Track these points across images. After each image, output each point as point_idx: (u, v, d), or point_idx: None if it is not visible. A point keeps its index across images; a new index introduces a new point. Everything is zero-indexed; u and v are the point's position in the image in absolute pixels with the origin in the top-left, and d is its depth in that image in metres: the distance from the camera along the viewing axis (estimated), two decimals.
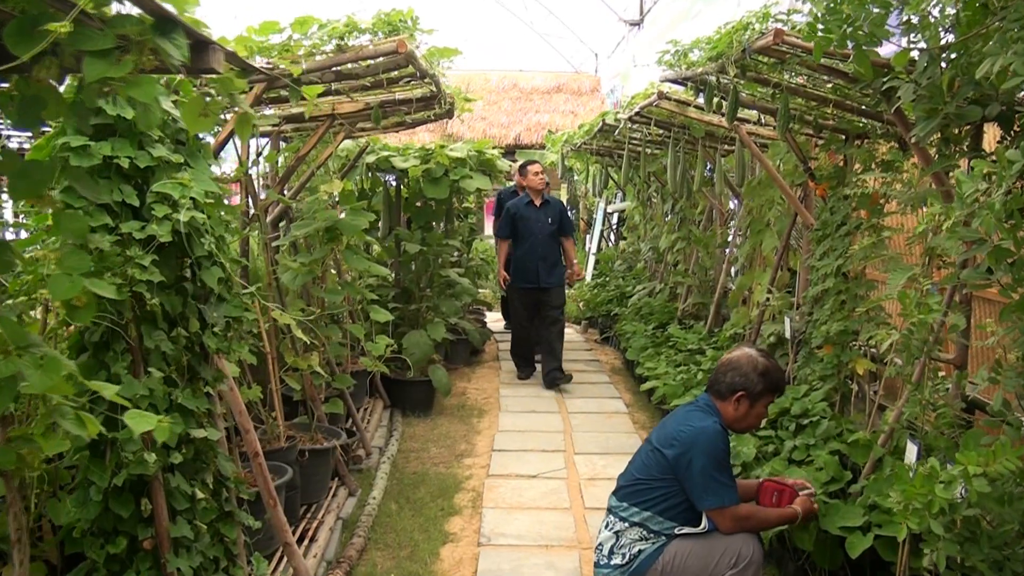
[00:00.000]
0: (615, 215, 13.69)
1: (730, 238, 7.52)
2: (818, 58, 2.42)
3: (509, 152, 17.10)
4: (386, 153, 7.02)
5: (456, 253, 8.71)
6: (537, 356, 8.38)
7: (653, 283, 9.47)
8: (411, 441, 6.42)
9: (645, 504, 3.38)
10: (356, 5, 3.78)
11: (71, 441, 2.60)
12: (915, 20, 2.79)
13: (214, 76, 1.91)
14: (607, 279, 11.39)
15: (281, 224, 5.60)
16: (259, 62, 3.51)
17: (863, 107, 4.21)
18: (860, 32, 2.22)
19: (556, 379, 7.82)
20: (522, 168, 8.26)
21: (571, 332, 10.66)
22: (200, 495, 3.00)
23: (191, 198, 2.74)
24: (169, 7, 1.58)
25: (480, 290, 9.56)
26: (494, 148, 8.08)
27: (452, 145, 7.32)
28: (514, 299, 8.26)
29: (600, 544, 3.47)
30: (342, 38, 3.44)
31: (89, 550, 2.75)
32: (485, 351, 9.52)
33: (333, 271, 5.65)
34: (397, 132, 6.82)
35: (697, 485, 3.26)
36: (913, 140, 3.26)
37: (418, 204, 7.50)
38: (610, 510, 3.51)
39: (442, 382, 6.92)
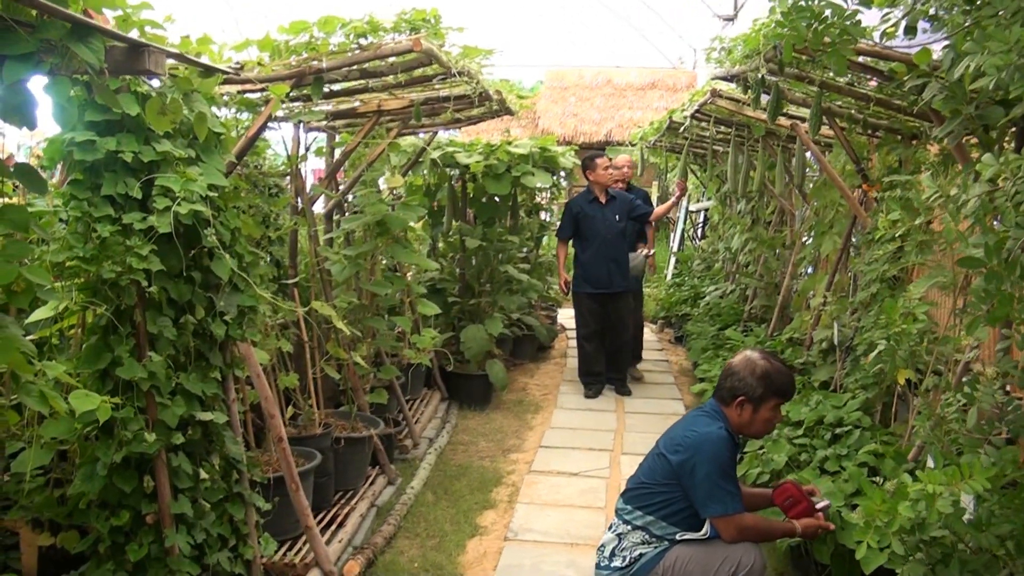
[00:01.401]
0: (701, 213, 13.49)
1: (800, 240, 7.32)
2: (788, 56, 2.36)
3: (600, 149, 17.03)
4: (451, 149, 7.11)
5: (524, 250, 8.74)
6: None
7: (726, 284, 9.30)
8: (463, 434, 6.50)
9: (649, 508, 3.36)
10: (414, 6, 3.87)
11: (78, 421, 2.78)
12: (942, 15, 2.70)
13: (174, 76, 2.00)
14: (684, 279, 11.23)
15: (336, 217, 5.76)
16: (289, 60, 3.65)
17: (907, 106, 4.05)
18: (832, 30, 2.15)
19: (614, 380, 7.58)
20: (588, 162, 7.35)
21: (646, 331, 10.56)
22: (204, 475, 3.14)
23: (201, 191, 2.87)
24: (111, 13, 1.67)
25: (553, 287, 9.53)
26: (583, 145, 8.11)
27: (517, 141, 7.36)
28: (581, 307, 7.49)
29: (602, 545, 3.47)
30: (364, 36, 3.53)
31: (95, 521, 2.92)
32: (553, 347, 9.53)
33: (383, 263, 5.76)
34: (457, 128, 6.90)
35: (700, 492, 3.22)
36: (942, 140, 3.14)
37: (483, 200, 7.57)
38: (616, 512, 3.50)
39: (499, 376, 6.98)
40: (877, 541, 2.10)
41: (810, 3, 2.09)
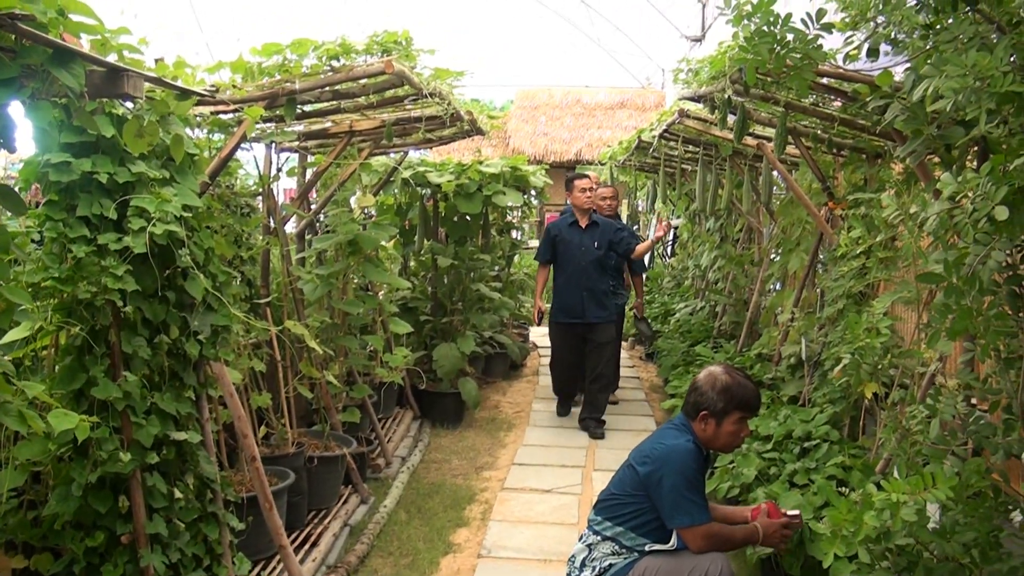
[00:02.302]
0: (671, 231, 13.60)
1: (767, 257, 7.43)
2: (751, 80, 2.42)
3: (570, 168, 17.16)
4: (423, 168, 7.15)
5: (496, 268, 8.79)
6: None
7: (696, 301, 9.40)
8: (435, 452, 6.51)
9: (618, 519, 3.40)
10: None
11: (53, 441, 2.78)
12: (903, 39, 2.79)
13: (151, 99, 2.03)
14: (654, 296, 11.33)
15: (308, 237, 5.77)
16: (262, 82, 3.68)
17: (871, 126, 4.15)
18: (794, 54, 2.23)
19: (588, 426, 6.98)
20: (568, 183, 7.09)
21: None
22: (179, 495, 3.14)
23: (175, 212, 2.88)
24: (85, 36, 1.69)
25: (525, 304, 9.57)
26: (554, 164, 8.15)
27: (488, 161, 7.42)
28: (554, 336, 7.19)
29: (573, 556, 3.50)
30: (336, 58, 3.57)
31: (70, 542, 2.91)
32: (526, 365, 9.57)
33: (356, 282, 5.77)
34: (429, 148, 6.95)
35: (667, 503, 3.27)
36: (904, 159, 3.22)
37: (454, 219, 7.61)
38: (588, 523, 3.54)
39: (471, 395, 7.00)
40: (844, 550, 2.15)
41: (772, 29, 2.16)
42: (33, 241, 3.02)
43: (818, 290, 5.67)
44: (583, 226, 6.92)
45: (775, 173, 6.21)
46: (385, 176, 6.74)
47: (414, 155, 7.42)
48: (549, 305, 7.25)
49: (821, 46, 2.29)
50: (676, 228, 12.59)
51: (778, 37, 2.18)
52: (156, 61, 2.40)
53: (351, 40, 3.58)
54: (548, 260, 7.10)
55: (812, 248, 5.60)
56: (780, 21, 2.18)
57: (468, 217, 7.61)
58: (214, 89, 2.82)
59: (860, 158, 4.93)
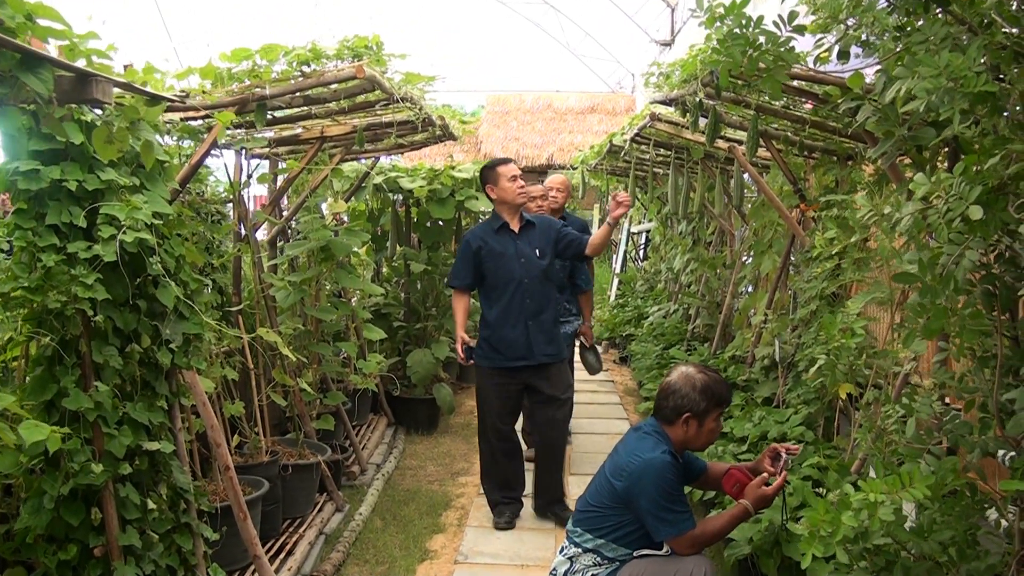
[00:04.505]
0: (643, 235, 13.68)
1: (740, 259, 7.49)
2: (724, 82, 2.43)
3: (542, 172, 17.19)
4: (394, 174, 7.13)
5: None
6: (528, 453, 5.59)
7: (669, 304, 9.45)
8: (411, 458, 6.48)
9: (598, 532, 3.38)
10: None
11: (24, 454, 2.73)
12: (874, 40, 2.82)
13: (121, 105, 2.00)
14: (627, 299, 11.37)
15: (280, 244, 5.72)
16: (231, 88, 3.64)
17: (842, 128, 4.19)
18: (767, 56, 2.24)
19: (555, 513, 5.12)
20: (487, 172, 5.02)
21: None
22: (152, 505, 3.09)
23: (146, 219, 2.84)
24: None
25: None
26: (526, 168, 8.06)
27: (461, 166, 7.41)
28: (486, 390, 5.07)
29: (554, 569, 3.48)
30: (307, 64, 3.54)
31: (42, 556, 2.85)
32: None
33: (328, 289, 5.73)
34: (400, 153, 6.93)
35: (650, 518, 3.25)
36: (876, 161, 3.25)
37: (427, 224, 7.59)
38: (567, 535, 3.52)
39: (446, 400, 6.98)
40: (822, 551, 2.16)
41: (745, 31, 2.17)
42: (1, 250, 2.97)
43: (791, 292, 5.72)
44: (515, 229, 4.98)
45: (746, 176, 6.26)
46: (357, 182, 6.71)
47: (385, 161, 7.39)
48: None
49: (794, 48, 2.30)
50: (649, 232, 12.66)
51: (751, 39, 2.19)
52: (125, 67, 2.36)
53: (322, 45, 3.56)
54: (468, 284, 5.06)
55: (784, 250, 5.64)
56: (753, 23, 2.19)
57: (441, 222, 7.59)
58: (184, 95, 2.79)
59: (831, 160, 4.97)
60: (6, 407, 2.14)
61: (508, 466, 5.15)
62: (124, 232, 2.70)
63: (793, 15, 2.28)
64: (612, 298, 12.52)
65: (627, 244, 13.81)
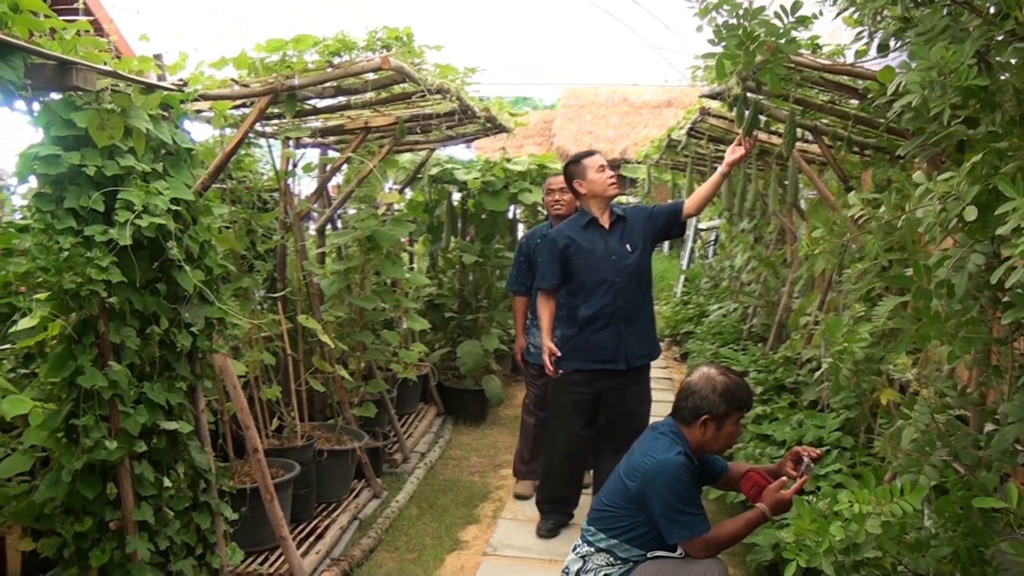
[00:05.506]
0: (712, 232, 13.45)
1: (798, 258, 7.29)
2: (720, 76, 2.36)
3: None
4: (450, 166, 7.17)
5: None
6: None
7: (730, 302, 9.27)
8: (456, 449, 6.52)
9: (612, 532, 3.34)
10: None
11: (45, 426, 2.85)
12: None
13: (115, 92, 2.06)
14: (691, 297, 11.21)
15: (328, 232, 5.82)
16: (267, 79, 3.71)
17: (883, 123, 4.04)
18: (764, 48, 2.16)
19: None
20: (572, 167, 4.70)
21: None
22: (168, 483, 3.18)
23: (164, 205, 2.92)
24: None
25: None
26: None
27: (516, 158, 7.40)
28: (560, 394, 4.72)
29: (567, 568, 3.46)
30: (338, 55, 3.58)
31: (60, 526, 2.97)
32: None
33: (378, 278, 5.79)
34: (454, 144, 6.94)
35: (663, 521, 3.20)
36: (910, 157, 3.14)
37: (481, 216, 7.61)
38: (581, 533, 3.49)
39: (494, 392, 6.99)
40: (807, 561, 2.09)
41: (742, 22, 2.10)
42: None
43: (844, 292, 5.54)
44: (605, 225, 4.63)
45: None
46: (413, 172, 6.77)
47: (442, 152, 7.42)
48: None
49: (795, 39, 2.22)
50: (718, 229, 12.44)
51: (748, 31, 2.12)
52: (122, 57, 2.43)
53: (352, 37, 3.59)
54: (557, 285, 4.66)
55: (839, 250, 5.46)
56: (749, 15, 2.12)
57: (495, 214, 7.60)
58: (182, 83, 2.84)
59: (883, 157, 4.80)
60: None
61: (572, 479, 4.88)
62: (139, 217, 2.79)
63: (797, 5, 2.20)
64: (677, 295, 12.36)
65: (695, 241, 13.60)
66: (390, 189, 6.86)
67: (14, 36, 1.69)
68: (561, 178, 5.20)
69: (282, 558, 4.04)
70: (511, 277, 5.59)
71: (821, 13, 2.31)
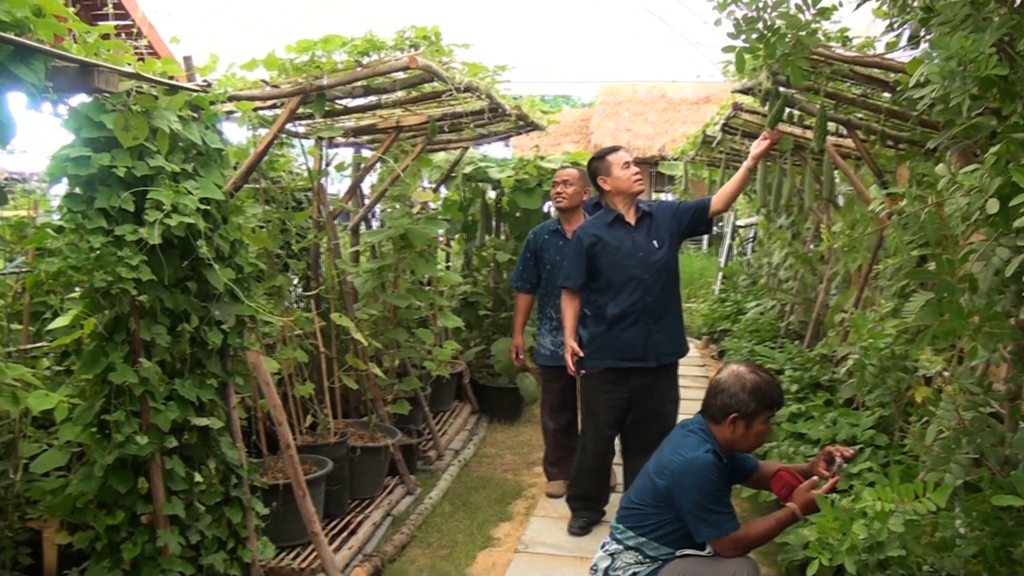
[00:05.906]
0: (751, 229, 13.33)
1: (836, 255, 7.20)
2: (740, 70, 2.35)
3: (653, 164, 16.98)
4: (483, 164, 7.19)
5: None
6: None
7: (767, 300, 9.18)
8: (490, 446, 6.54)
9: (641, 529, 3.33)
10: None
11: (78, 422, 2.92)
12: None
13: (138, 94, 2.10)
14: (729, 294, 11.12)
15: (362, 231, 5.87)
16: (297, 79, 3.76)
17: (914, 116, 3.97)
18: (785, 40, 2.14)
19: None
20: (597, 163, 4.59)
21: (691, 347, 10.48)
22: (200, 479, 3.24)
23: (193, 205, 2.97)
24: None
25: None
26: (636, 160, 7.87)
27: (549, 156, 7.40)
28: (592, 394, 4.69)
29: (595, 565, 3.45)
30: (366, 54, 3.62)
31: (92, 520, 3.04)
32: None
33: (413, 276, 5.83)
34: (489, 142, 6.98)
35: (692, 519, 3.19)
36: (941, 150, 3.08)
37: (515, 215, 7.62)
38: (610, 531, 3.49)
39: (529, 390, 6.99)
40: (829, 559, 2.07)
41: (762, 14, 2.08)
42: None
43: (880, 288, 5.46)
44: (631, 222, 4.55)
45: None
46: (447, 171, 6.80)
47: (475, 151, 7.44)
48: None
49: (815, 31, 2.20)
50: (756, 226, 12.32)
51: (768, 23, 2.10)
52: (145, 58, 2.48)
53: (380, 36, 3.62)
54: (582, 284, 4.59)
55: (873, 246, 5.39)
56: (769, 7, 2.10)
57: (529, 212, 7.60)
58: (207, 84, 2.89)
59: (918, 151, 4.72)
60: (18, 376, 2.28)
61: (601, 477, 4.89)
62: (168, 216, 2.84)
63: None
64: (716, 292, 12.26)
65: (733, 238, 13.48)
66: (424, 188, 6.90)
67: (39, 40, 1.74)
68: (566, 171, 5.27)
69: (314, 553, 4.09)
70: (516, 274, 5.52)
71: (841, 4, 2.28)
